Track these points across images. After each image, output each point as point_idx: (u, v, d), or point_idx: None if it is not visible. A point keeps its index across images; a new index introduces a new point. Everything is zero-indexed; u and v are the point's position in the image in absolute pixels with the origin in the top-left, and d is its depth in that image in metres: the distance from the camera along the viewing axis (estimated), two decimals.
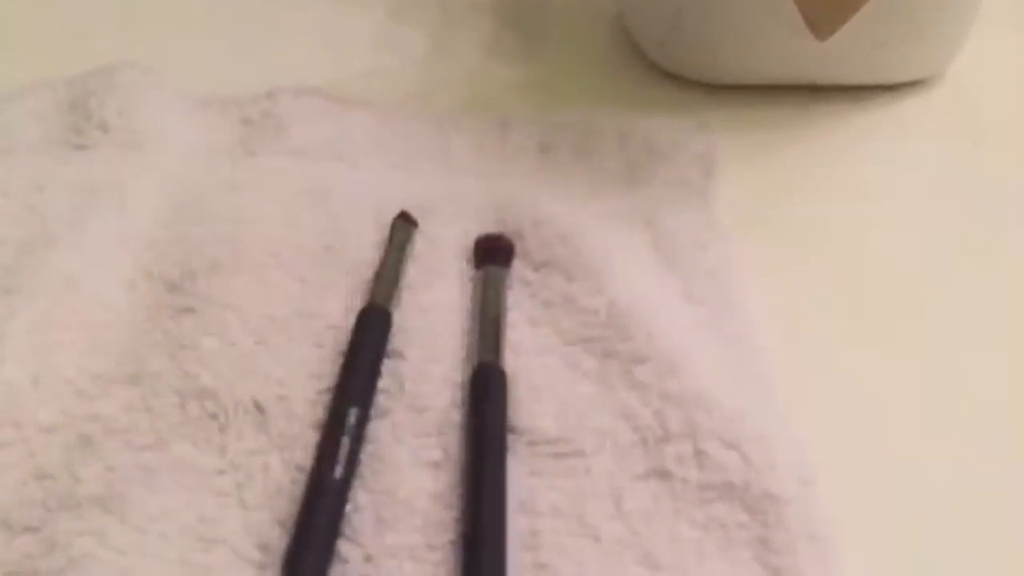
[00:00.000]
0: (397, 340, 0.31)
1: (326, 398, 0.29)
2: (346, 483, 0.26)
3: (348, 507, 0.26)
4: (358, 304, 0.33)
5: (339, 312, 0.32)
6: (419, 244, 0.35)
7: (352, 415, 0.28)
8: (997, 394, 0.32)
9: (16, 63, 0.45)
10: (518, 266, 0.34)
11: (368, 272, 0.34)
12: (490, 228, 0.36)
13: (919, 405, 0.31)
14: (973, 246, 0.38)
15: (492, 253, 0.34)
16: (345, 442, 0.27)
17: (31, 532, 0.25)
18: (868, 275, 0.36)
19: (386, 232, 0.35)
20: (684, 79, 0.44)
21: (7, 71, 0.44)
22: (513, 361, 0.31)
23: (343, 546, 0.25)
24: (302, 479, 0.27)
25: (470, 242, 0.35)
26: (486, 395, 0.29)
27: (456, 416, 0.29)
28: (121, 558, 0.24)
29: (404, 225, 0.35)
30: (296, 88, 0.41)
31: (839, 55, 0.41)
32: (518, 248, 0.35)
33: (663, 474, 0.27)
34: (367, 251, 0.34)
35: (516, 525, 0.26)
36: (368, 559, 0.25)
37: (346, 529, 0.26)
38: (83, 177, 0.37)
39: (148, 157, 0.38)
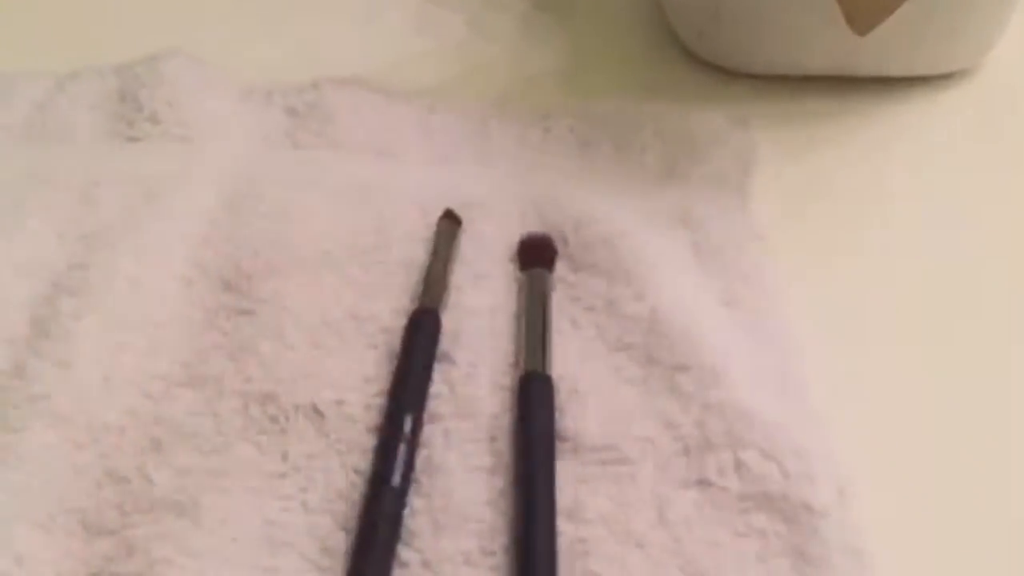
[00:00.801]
0: (445, 342, 0.32)
1: (381, 401, 0.31)
2: (403, 490, 0.28)
3: (405, 511, 0.28)
4: (407, 304, 0.34)
5: (389, 313, 0.33)
6: (464, 242, 0.36)
7: (407, 422, 0.29)
8: None
9: (56, 46, 0.46)
10: (560, 267, 0.35)
11: (415, 271, 0.35)
12: (533, 227, 0.37)
13: (959, 412, 0.32)
14: (1016, 243, 0.38)
15: (536, 255, 0.35)
16: (402, 450, 0.28)
17: (110, 535, 0.27)
18: (905, 274, 0.37)
19: (431, 230, 0.36)
20: (721, 68, 0.45)
21: (49, 54, 0.45)
22: (558, 366, 0.32)
23: (402, 551, 0.27)
24: (360, 483, 0.28)
25: (514, 240, 0.36)
26: (534, 404, 0.30)
27: (505, 421, 0.30)
28: (196, 562, 0.26)
29: (449, 224, 0.36)
30: (340, 79, 0.42)
31: (877, 48, 0.41)
32: (560, 249, 0.36)
33: (704, 483, 0.28)
34: (414, 250, 0.35)
35: (564, 531, 0.27)
36: (426, 564, 0.27)
37: (404, 534, 0.27)
38: (136, 171, 0.38)
39: (198, 151, 0.39)
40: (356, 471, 0.29)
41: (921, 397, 0.32)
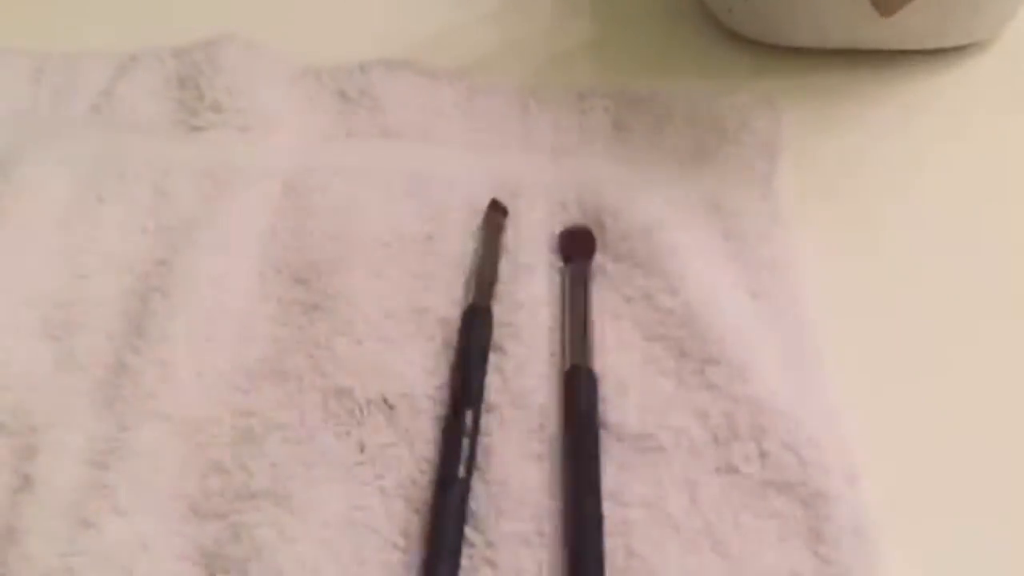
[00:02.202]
0: (497, 333, 0.36)
1: (442, 393, 0.34)
2: (467, 481, 0.32)
3: (470, 496, 0.32)
4: (460, 295, 0.37)
5: (445, 305, 0.37)
6: (509, 231, 0.39)
7: (468, 416, 0.33)
8: None
9: (108, 27, 0.48)
10: (600, 256, 0.38)
11: (465, 261, 0.38)
12: (573, 215, 0.40)
13: (975, 402, 0.35)
14: None
15: (577, 247, 0.38)
16: (465, 443, 0.32)
17: (218, 519, 0.31)
18: (926, 255, 0.39)
19: (478, 218, 0.39)
20: (751, 41, 0.47)
21: (102, 36, 0.47)
22: (600, 356, 0.35)
23: (469, 533, 0.31)
24: (428, 469, 0.33)
25: (555, 229, 0.39)
26: (580, 397, 0.34)
27: (553, 411, 0.34)
28: (295, 547, 0.30)
29: (496, 215, 0.39)
30: (386, 62, 0.44)
31: (902, 21, 0.43)
32: (599, 238, 0.39)
33: (731, 470, 0.32)
34: (463, 240, 0.39)
35: (609, 514, 0.32)
36: (489, 545, 0.31)
37: (470, 518, 0.31)
38: (202, 161, 0.41)
39: (259, 140, 0.42)
40: (425, 459, 0.33)
41: (942, 383, 0.35)
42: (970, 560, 0.31)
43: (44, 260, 0.38)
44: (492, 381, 0.35)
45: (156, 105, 0.43)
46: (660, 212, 0.39)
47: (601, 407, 0.34)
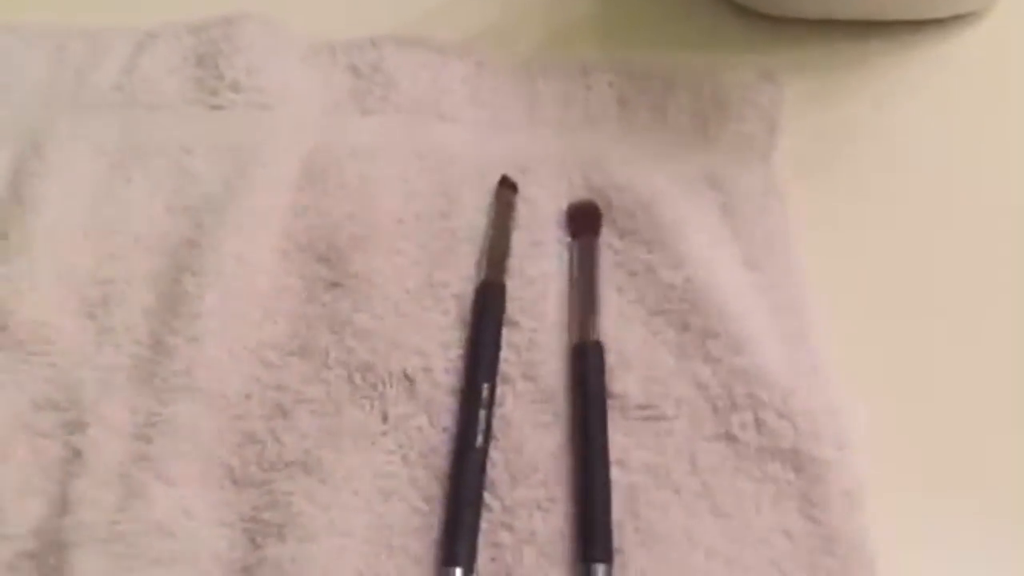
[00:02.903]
0: (509, 308, 0.38)
1: (459, 366, 0.37)
2: (485, 450, 0.34)
3: (488, 465, 0.34)
4: (473, 271, 0.39)
5: (458, 280, 0.39)
6: (519, 207, 0.41)
7: (485, 389, 0.35)
8: None
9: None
10: (606, 231, 0.40)
11: (478, 237, 0.40)
12: (579, 191, 0.42)
13: (964, 372, 0.37)
14: None
15: (584, 223, 0.40)
16: (482, 415, 0.35)
17: (255, 487, 0.34)
18: (922, 226, 0.41)
19: (489, 195, 0.41)
20: (752, 12, 0.48)
21: (118, 10, 0.48)
22: (606, 329, 0.38)
23: (487, 498, 0.34)
24: (448, 439, 0.35)
25: (563, 205, 0.41)
26: (588, 369, 0.36)
27: (562, 382, 0.36)
28: (327, 513, 0.33)
29: (506, 192, 0.41)
30: (398, 38, 0.46)
31: None
32: (604, 212, 0.41)
33: (729, 437, 0.35)
34: (475, 216, 0.41)
35: (615, 479, 0.34)
36: (506, 509, 0.34)
37: (487, 484, 0.34)
38: (223, 140, 0.43)
39: (277, 119, 0.43)
40: (444, 429, 0.35)
41: (933, 353, 0.38)
42: (953, 522, 0.34)
43: (79, 240, 0.40)
44: (505, 354, 0.37)
45: (176, 83, 0.44)
46: (663, 187, 0.41)
47: (607, 378, 0.36)
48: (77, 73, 0.45)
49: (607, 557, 0.32)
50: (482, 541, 0.33)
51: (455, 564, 0.32)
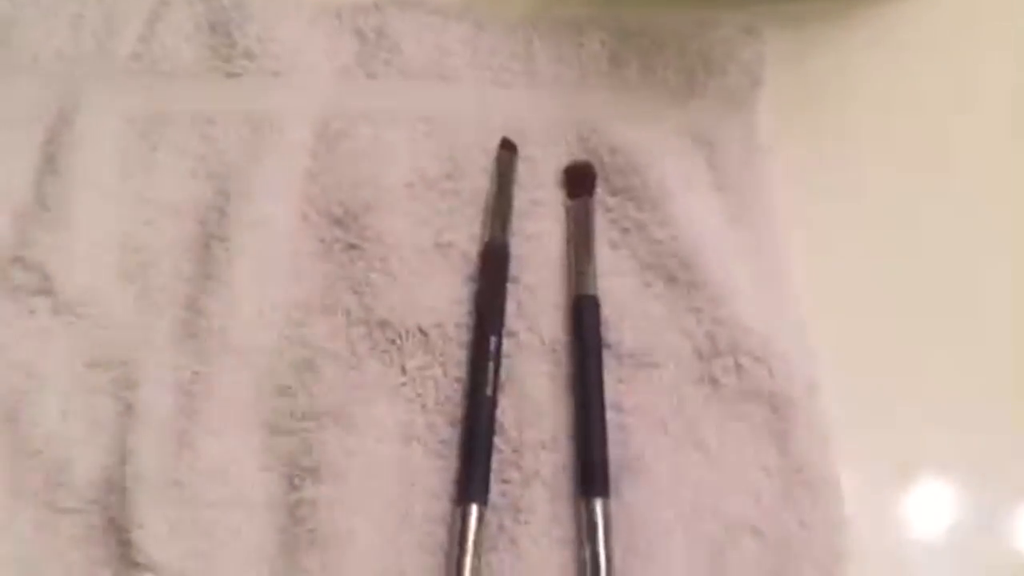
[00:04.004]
0: (513, 266, 0.42)
1: (468, 321, 0.40)
2: (494, 398, 0.38)
3: (497, 411, 0.39)
4: (478, 230, 0.43)
5: (465, 239, 0.42)
6: (519, 168, 0.44)
7: (492, 342, 0.39)
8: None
9: None
10: (599, 191, 0.44)
11: (481, 197, 0.44)
12: (575, 152, 0.45)
13: (932, 319, 0.41)
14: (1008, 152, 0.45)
15: (580, 183, 0.44)
16: (490, 366, 0.39)
17: (290, 436, 0.38)
18: (899, 177, 0.44)
19: (491, 157, 0.45)
20: None
21: None
22: (601, 283, 0.41)
23: (497, 442, 0.38)
24: (460, 388, 0.39)
25: (560, 164, 0.44)
26: (586, 322, 0.40)
27: (562, 334, 0.40)
28: (356, 458, 0.37)
29: (506, 154, 0.44)
30: (399, 1, 0.48)
31: None
32: (598, 171, 0.44)
33: (712, 381, 0.39)
34: (478, 178, 0.44)
35: (611, 421, 0.38)
36: (515, 450, 0.38)
37: (497, 428, 0.38)
38: (240, 107, 0.46)
39: (289, 85, 0.46)
40: (457, 379, 0.39)
41: (902, 300, 0.41)
42: (915, 456, 0.39)
43: (112, 207, 0.43)
44: (510, 308, 0.41)
45: (192, 51, 0.47)
46: (653, 147, 0.44)
47: (603, 329, 0.40)
48: (96, 40, 0.47)
49: (605, 492, 0.36)
50: (493, 479, 0.37)
51: (470, 500, 0.36)
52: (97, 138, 0.44)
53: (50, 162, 0.44)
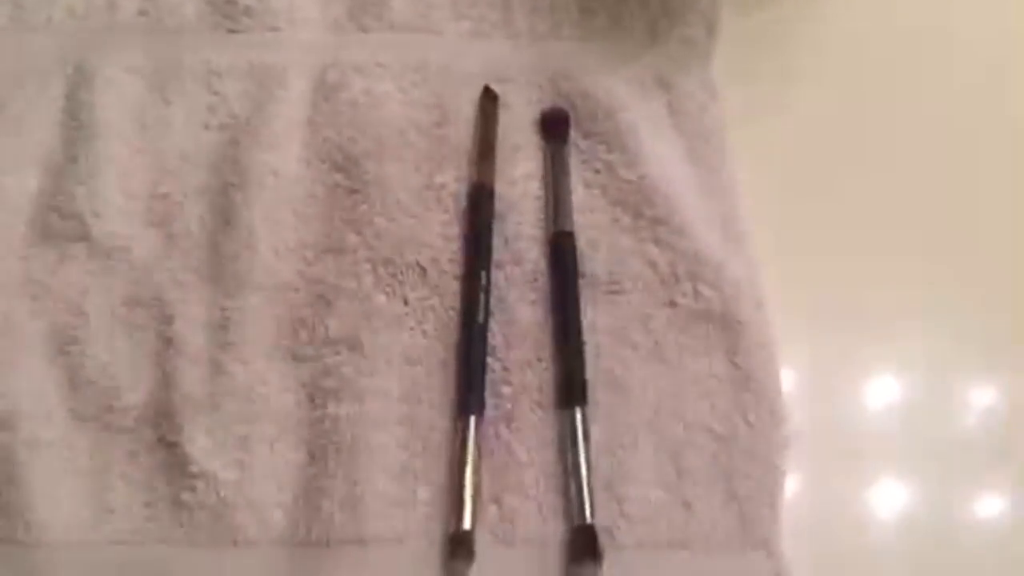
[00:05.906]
0: (498, 205, 0.47)
1: (460, 256, 0.46)
2: (486, 323, 0.44)
3: (489, 335, 0.45)
4: (465, 173, 0.48)
5: (454, 182, 0.48)
6: (501, 115, 0.50)
7: (482, 275, 0.45)
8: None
9: None
10: (572, 134, 0.49)
11: (466, 143, 0.49)
12: (550, 97, 0.50)
13: (876, 248, 0.47)
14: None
15: (556, 128, 0.49)
16: (481, 296, 0.45)
17: (311, 361, 0.44)
18: (841, 114, 0.50)
19: (474, 104, 0.50)
20: None
21: None
22: (577, 219, 0.47)
23: (489, 362, 0.44)
24: (456, 317, 0.45)
25: (536, 111, 0.50)
26: (564, 255, 0.46)
27: (543, 266, 0.46)
28: (370, 380, 0.43)
29: (488, 102, 0.50)
30: None
31: None
32: (572, 117, 0.49)
33: (674, 304, 0.45)
34: (464, 124, 0.49)
35: (587, 340, 0.45)
36: (505, 368, 0.44)
37: (489, 350, 0.44)
38: (244, 61, 0.50)
39: (288, 40, 0.51)
40: (452, 308, 0.45)
41: (843, 224, 0.48)
42: (849, 361, 0.45)
43: (134, 158, 0.48)
44: (497, 244, 0.46)
45: (194, 8, 0.51)
46: (620, 93, 0.49)
47: (579, 260, 0.46)
48: (107, 1, 0.51)
49: (583, 401, 0.43)
50: (488, 393, 0.43)
51: (469, 412, 0.43)
52: (115, 93, 0.49)
53: (73, 117, 0.48)
